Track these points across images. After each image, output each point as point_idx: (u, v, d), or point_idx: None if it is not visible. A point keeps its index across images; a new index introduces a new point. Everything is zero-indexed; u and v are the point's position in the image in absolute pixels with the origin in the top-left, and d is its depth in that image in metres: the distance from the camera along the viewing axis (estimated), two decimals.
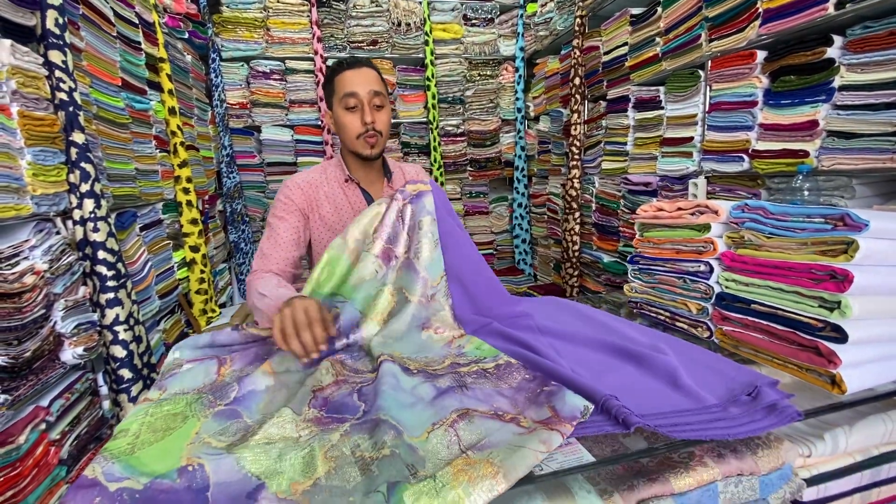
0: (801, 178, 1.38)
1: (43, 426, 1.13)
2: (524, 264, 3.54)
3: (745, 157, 1.60)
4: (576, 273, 2.73)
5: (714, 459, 0.66)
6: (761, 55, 1.52)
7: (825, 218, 0.73)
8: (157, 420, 0.68)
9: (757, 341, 0.82)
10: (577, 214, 2.66)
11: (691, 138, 1.83)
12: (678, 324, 1.00)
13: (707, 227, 0.93)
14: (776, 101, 1.50)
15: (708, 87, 1.74)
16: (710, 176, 1.78)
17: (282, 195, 1.27)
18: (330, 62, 2.93)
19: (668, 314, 1.02)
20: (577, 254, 2.70)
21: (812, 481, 0.71)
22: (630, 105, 2.19)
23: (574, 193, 2.64)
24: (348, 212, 1.30)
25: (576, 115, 2.58)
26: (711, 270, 0.92)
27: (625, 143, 2.26)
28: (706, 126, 1.77)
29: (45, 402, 1.15)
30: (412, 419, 0.63)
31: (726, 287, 0.89)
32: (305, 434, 0.62)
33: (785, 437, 0.72)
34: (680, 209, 1.00)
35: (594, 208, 2.57)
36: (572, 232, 2.68)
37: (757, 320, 0.82)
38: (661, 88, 1.99)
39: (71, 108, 1.27)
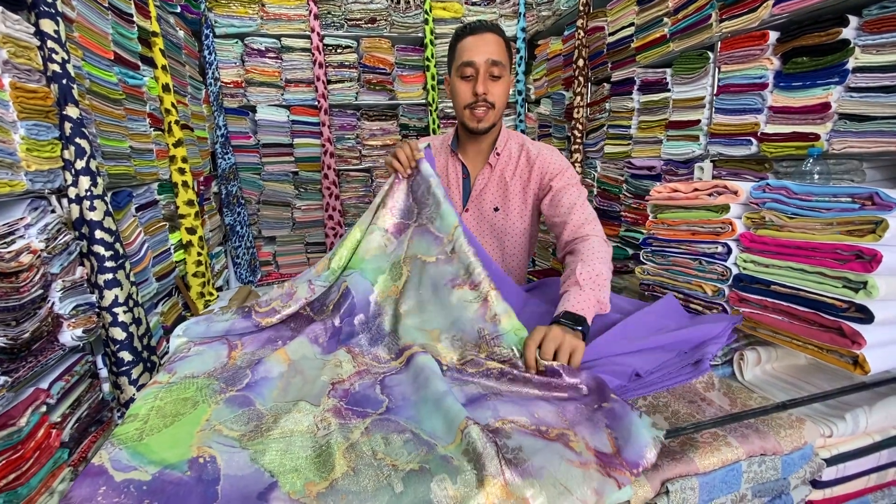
0: (811, 161, 1.37)
1: (44, 408, 1.10)
2: None
3: (753, 140, 1.59)
4: None
5: (738, 439, 0.66)
6: (773, 36, 1.50)
7: (853, 197, 0.72)
8: (167, 404, 0.66)
9: (776, 323, 0.81)
10: None
11: (698, 121, 1.81)
12: (692, 305, 0.99)
13: (725, 208, 0.92)
14: (787, 83, 1.48)
15: (717, 69, 1.72)
16: (717, 160, 1.77)
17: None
18: (328, 40, 2.85)
19: (681, 296, 1.01)
20: None
21: (831, 461, 0.72)
22: (635, 87, 2.16)
23: None
24: (446, 184, 1.28)
25: (578, 98, 2.54)
26: (729, 252, 0.91)
27: (629, 127, 2.24)
28: (714, 109, 1.75)
29: (45, 385, 1.12)
30: (444, 423, 0.57)
31: (744, 268, 0.88)
32: (323, 428, 0.59)
33: (807, 417, 0.72)
34: (697, 190, 0.98)
35: (596, 193, 2.55)
36: None
37: (777, 301, 0.81)
38: (668, 70, 1.96)
39: (64, 81, 1.21)
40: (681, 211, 1.03)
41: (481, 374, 0.70)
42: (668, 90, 1.97)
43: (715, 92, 1.73)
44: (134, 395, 1.34)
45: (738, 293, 0.89)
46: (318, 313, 0.89)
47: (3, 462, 0.95)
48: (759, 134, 1.57)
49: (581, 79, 2.51)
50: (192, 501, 0.48)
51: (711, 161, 1.79)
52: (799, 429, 0.68)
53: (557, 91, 2.87)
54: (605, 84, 2.41)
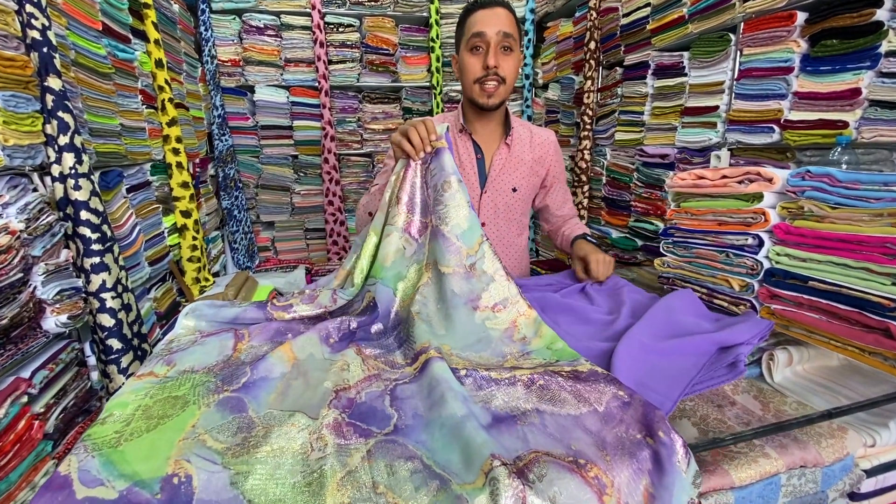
0: (838, 150, 1.29)
1: (25, 399, 1.04)
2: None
3: (775, 127, 1.51)
4: None
5: (776, 450, 0.60)
6: (801, 17, 1.41)
7: None
8: (156, 404, 0.59)
9: (813, 321, 0.75)
10: (586, 188, 2.57)
11: (716, 107, 1.73)
12: (716, 301, 0.93)
13: (758, 197, 0.85)
14: (814, 67, 1.39)
15: (738, 52, 1.63)
16: (735, 148, 1.69)
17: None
18: (330, 18, 2.75)
19: (705, 290, 0.95)
20: None
21: (871, 472, 0.66)
22: (650, 72, 2.07)
23: (584, 165, 2.54)
24: (458, 164, 1.21)
25: (589, 83, 2.45)
26: (761, 244, 0.84)
27: (641, 113, 2.15)
28: (734, 94, 1.67)
29: (26, 374, 1.07)
30: (462, 456, 0.49)
31: (777, 262, 0.82)
32: (318, 449, 0.51)
33: (849, 425, 0.66)
34: (725, 177, 0.91)
35: (605, 181, 2.47)
36: (580, 206, 2.59)
37: (814, 299, 0.75)
38: (686, 54, 1.87)
39: (45, 49, 1.13)
40: (706, 199, 0.96)
41: (508, 382, 0.62)
42: (685, 74, 1.88)
43: (735, 76, 1.65)
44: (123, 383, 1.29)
45: (769, 289, 0.82)
46: (334, 313, 0.83)
47: None
48: (782, 121, 1.49)
49: (592, 62, 2.42)
50: None
51: (729, 149, 1.71)
52: (841, 438, 0.63)
53: (567, 75, 2.78)
54: (617, 68, 2.31)
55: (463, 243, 0.84)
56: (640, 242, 2.21)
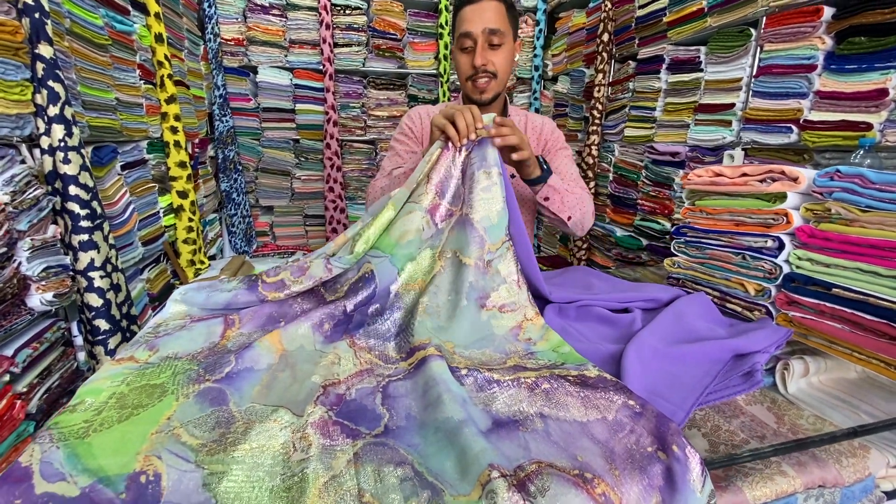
0: (860, 153, 1.24)
1: (7, 377, 1.01)
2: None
3: (793, 127, 1.46)
4: (584, 246, 2.61)
5: (794, 467, 0.56)
6: (828, 12, 1.36)
7: None
8: (132, 392, 0.55)
9: (834, 331, 0.71)
10: (592, 184, 2.52)
11: (732, 105, 1.67)
12: (729, 305, 0.88)
13: (781, 197, 0.80)
14: (839, 65, 1.34)
15: (759, 48, 1.57)
16: (749, 147, 1.64)
17: (405, 121, 1.25)
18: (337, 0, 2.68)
19: (717, 294, 0.91)
20: None
21: (892, 494, 0.62)
22: (664, 66, 2.01)
23: (591, 161, 2.49)
24: None
25: (600, 76, 2.39)
26: (781, 247, 0.79)
27: (653, 109, 2.10)
28: (751, 92, 1.61)
29: (9, 352, 1.03)
30: (457, 464, 0.45)
31: (798, 267, 0.77)
32: (301, 449, 0.47)
33: (871, 444, 0.62)
34: (746, 175, 0.87)
35: (611, 178, 2.42)
36: None
37: (837, 307, 0.70)
38: (703, 48, 1.81)
39: (37, 15, 1.08)
40: (724, 198, 0.91)
41: (511, 384, 0.58)
42: (701, 70, 1.83)
43: (754, 73, 1.59)
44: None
45: (787, 294, 0.78)
46: (331, 292, 0.77)
47: None
48: (801, 121, 1.44)
49: (604, 55, 2.35)
50: None
51: (743, 149, 1.66)
52: (863, 458, 0.59)
53: (577, 68, 2.71)
54: (629, 62, 2.25)
55: (488, 237, 0.80)
56: (645, 242, 2.17)
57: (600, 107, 2.42)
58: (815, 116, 1.40)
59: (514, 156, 0.90)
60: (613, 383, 0.56)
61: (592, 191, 2.53)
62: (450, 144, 0.85)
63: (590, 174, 2.50)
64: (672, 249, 1.01)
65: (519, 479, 0.42)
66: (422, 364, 0.59)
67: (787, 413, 0.67)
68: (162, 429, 0.49)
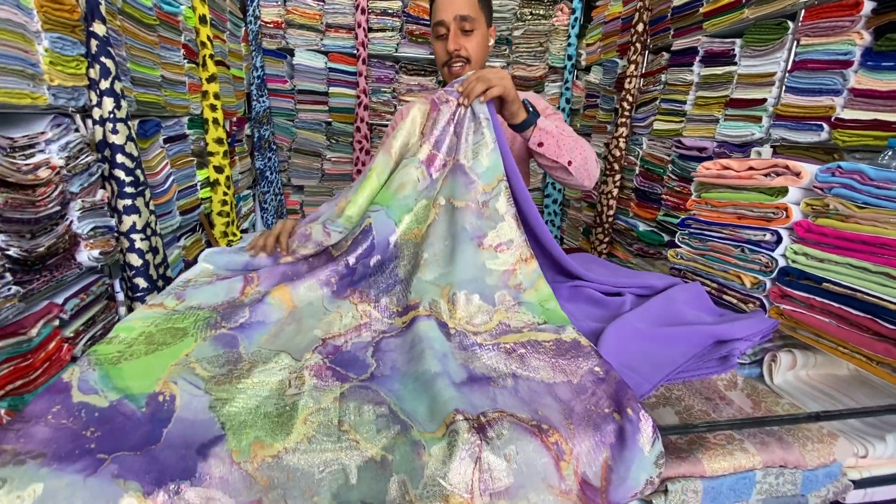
0: (889, 153, 1.20)
1: (56, 322, 1.13)
2: (552, 226, 3.41)
3: (824, 125, 1.41)
4: (606, 239, 2.60)
5: (756, 446, 0.59)
6: (868, 6, 1.30)
7: None
8: (158, 332, 0.63)
9: (822, 325, 0.72)
10: (618, 177, 2.49)
11: (764, 100, 1.63)
12: (725, 297, 0.89)
13: (783, 191, 0.80)
14: (876, 62, 1.29)
15: (795, 42, 1.52)
16: (778, 145, 1.60)
17: (395, 117, 1.30)
18: None
19: (715, 285, 0.92)
20: (610, 219, 2.55)
21: (860, 483, 0.63)
22: (697, 58, 1.96)
23: (618, 154, 2.46)
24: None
25: (632, 67, 2.35)
26: (778, 241, 0.80)
27: (683, 102, 2.05)
28: (784, 87, 1.56)
29: (59, 300, 1.15)
30: (428, 408, 0.50)
31: (793, 261, 0.78)
32: (295, 386, 0.54)
33: (840, 432, 0.63)
34: (752, 168, 0.87)
35: (637, 172, 2.39)
36: (609, 195, 2.52)
37: (826, 301, 0.71)
38: (738, 41, 1.76)
39: None
40: (729, 191, 0.92)
41: (491, 348, 0.63)
42: (735, 63, 1.78)
43: (789, 68, 1.54)
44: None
45: (781, 288, 0.79)
46: (336, 248, 0.83)
47: (11, 368, 0.98)
48: (833, 119, 1.39)
49: (638, 45, 2.31)
50: (133, 438, 0.45)
51: (772, 146, 1.62)
52: (829, 444, 0.60)
53: (611, 58, 2.67)
54: (663, 53, 2.20)
55: (481, 180, 0.82)
56: (666, 238, 2.14)
57: (631, 98, 2.38)
58: (848, 115, 1.35)
59: (493, 91, 0.87)
60: (585, 349, 0.60)
61: (618, 184, 2.51)
62: (438, 102, 0.88)
63: (616, 167, 2.48)
64: (677, 240, 1.03)
65: (480, 423, 0.47)
66: (412, 324, 0.65)
67: (765, 400, 0.69)
68: (180, 362, 0.56)
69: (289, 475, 0.43)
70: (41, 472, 0.40)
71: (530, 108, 0.96)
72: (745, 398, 0.70)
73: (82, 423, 0.46)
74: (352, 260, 0.78)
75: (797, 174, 0.79)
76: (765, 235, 0.82)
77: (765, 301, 0.82)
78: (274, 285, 0.79)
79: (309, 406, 0.50)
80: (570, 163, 0.99)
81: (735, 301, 0.87)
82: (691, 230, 0.99)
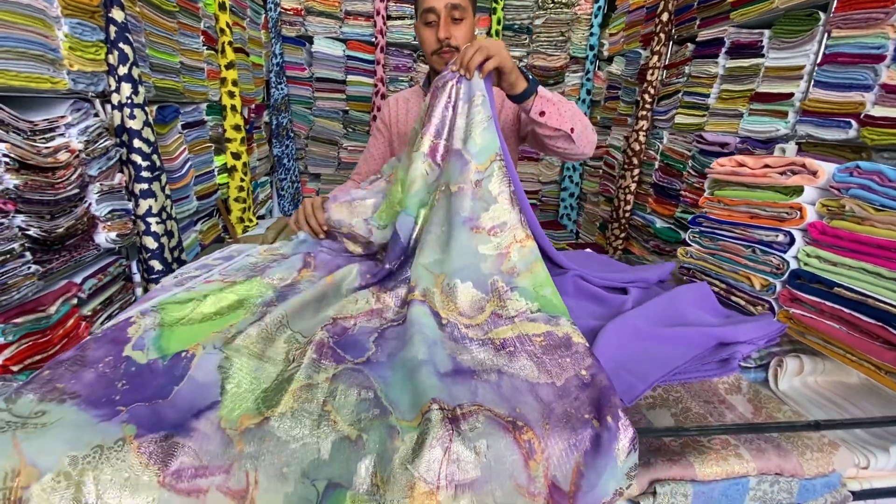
0: None
1: (74, 301, 1.18)
2: (567, 220, 3.37)
3: (853, 122, 1.35)
4: (622, 235, 2.55)
5: (752, 452, 0.58)
6: None
7: None
8: (224, 307, 0.66)
9: (831, 331, 0.69)
10: (636, 172, 2.44)
11: (791, 95, 1.56)
12: (734, 298, 0.87)
13: (798, 191, 0.77)
14: None
15: (826, 34, 1.45)
16: (803, 142, 1.54)
17: (383, 110, 1.32)
18: None
19: (723, 286, 0.89)
20: (627, 214, 2.51)
21: (860, 495, 0.61)
22: (723, 50, 1.89)
23: (637, 148, 2.40)
24: None
25: (656, 58, 2.28)
26: (791, 242, 0.77)
27: (707, 96, 1.99)
28: (812, 82, 1.50)
29: (78, 280, 1.20)
30: (411, 397, 0.50)
31: (805, 264, 0.75)
32: (295, 360, 0.57)
33: (841, 442, 0.61)
34: (767, 166, 0.84)
35: (657, 167, 2.33)
36: (627, 190, 2.47)
37: (837, 307, 0.69)
38: (766, 32, 1.69)
39: None
40: (743, 189, 0.88)
41: (481, 343, 0.62)
42: (762, 55, 1.71)
43: (818, 61, 1.48)
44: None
45: (791, 291, 0.76)
46: (381, 253, 0.87)
47: (30, 343, 1.02)
48: (862, 116, 1.33)
49: (662, 35, 2.24)
50: (146, 392, 0.49)
51: (797, 143, 1.55)
52: (829, 453, 0.58)
53: (633, 49, 2.60)
54: (688, 44, 2.13)
55: (475, 160, 0.79)
56: (684, 235, 2.09)
57: (652, 90, 2.32)
58: (878, 112, 1.28)
59: (491, 63, 0.84)
60: (576, 348, 0.58)
61: (636, 179, 2.45)
62: (435, 88, 0.86)
63: (635, 161, 2.42)
64: (687, 239, 1.00)
65: (455, 414, 0.47)
66: (408, 308, 0.66)
67: (767, 406, 0.67)
68: (222, 331, 0.59)
69: (266, 440, 0.44)
70: (71, 408, 0.46)
71: (529, 77, 0.92)
72: (746, 403, 0.68)
73: (119, 374, 0.51)
74: (387, 265, 0.80)
75: (814, 173, 0.76)
76: (777, 236, 0.79)
77: (774, 304, 0.80)
78: (326, 274, 0.80)
79: (301, 380, 0.52)
80: (572, 129, 0.95)
81: (743, 303, 0.85)
82: (702, 228, 0.96)
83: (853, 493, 0.60)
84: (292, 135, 2.93)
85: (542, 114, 0.93)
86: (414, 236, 0.82)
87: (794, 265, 0.77)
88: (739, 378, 0.73)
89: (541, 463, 0.45)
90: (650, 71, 2.31)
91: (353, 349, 0.61)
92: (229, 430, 0.45)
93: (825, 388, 0.74)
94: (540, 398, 0.51)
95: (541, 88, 0.93)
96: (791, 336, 0.77)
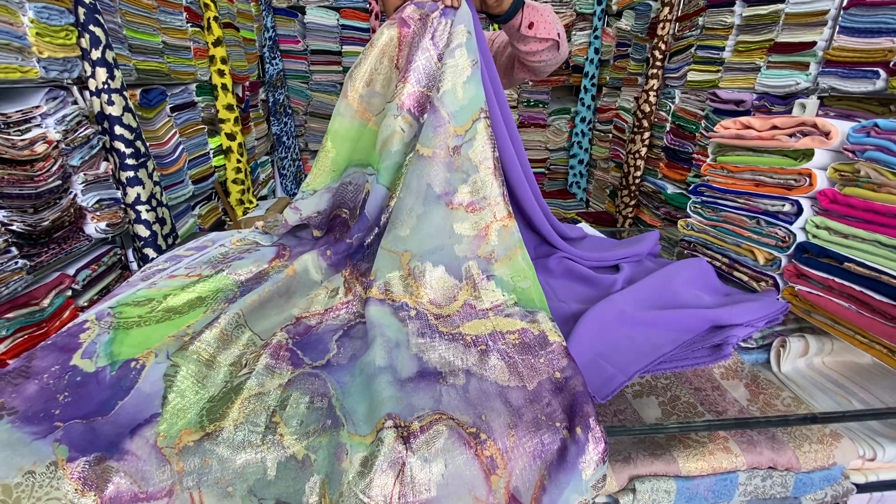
0: None
1: (69, 293, 1.18)
2: (577, 188, 3.26)
3: (881, 72, 1.23)
4: (632, 203, 2.45)
5: (742, 445, 0.53)
6: None
7: None
8: (182, 304, 0.63)
9: (839, 310, 0.63)
10: (647, 135, 2.31)
11: (813, 44, 1.43)
12: (736, 273, 0.81)
13: (808, 154, 0.70)
14: None
15: None
16: (826, 96, 1.41)
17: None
18: None
19: (726, 260, 0.83)
20: (637, 181, 2.40)
21: (865, 487, 0.57)
22: None
23: (647, 109, 2.27)
24: None
25: (667, 10, 2.12)
26: (799, 212, 0.70)
27: (721, 49, 1.84)
28: (837, 28, 1.36)
29: (71, 271, 1.20)
30: (367, 408, 0.47)
31: (814, 236, 0.68)
32: (247, 366, 0.53)
33: (846, 431, 0.57)
34: (775, 127, 0.76)
35: (668, 129, 2.21)
36: (637, 155, 2.36)
37: (847, 284, 0.62)
38: None
39: None
40: (749, 154, 0.81)
41: (450, 338, 0.57)
42: (782, 1, 1.56)
43: (844, 4, 1.33)
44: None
45: (797, 266, 0.70)
46: (352, 217, 0.78)
47: (25, 336, 1.03)
48: (891, 64, 1.20)
49: None
50: (91, 405, 0.47)
51: (819, 97, 1.43)
52: (830, 446, 0.54)
53: (643, 1, 2.42)
54: None
55: (453, 120, 0.66)
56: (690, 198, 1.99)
57: (664, 46, 2.17)
58: None
59: None
60: (551, 347, 0.54)
61: (646, 142, 2.33)
62: (408, 20, 0.72)
63: (645, 123, 2.29)
64: (688, 209, 0.93)
65: (411, 430, 0.43)
66: (366, 307, 0.61)
67: (764, 392, 0.62)
68: (178, 334, 0.56)
69: (206, 459, 0.42)
70: (5, 426, 0.44)
71: None
72: (744, 388, 0.63)
73: (62, 386, 0.49)
74: (348, 238, 0.73)
75: (826, 134, 0.68)
76: (784, 206, 0.72)
77: (778, 280, 0.73)
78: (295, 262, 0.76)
79: (252, 388, 0.49)
80: (559, 34, 0.83)
81: (746, 279, 0.79)
82: (704, 198, 0.89)
83: (857, 485, 0.56)
84: (290, 111, 2.87)
85: (530, 26, 0.79)
86: (389, 211, 0.70)
87: (801, 237, 0.70)
88: (739, 360, 0.68)
89: (502, 477, 0.42)
90: (661, 24, 2.15)
91: (312, 350, 0.57)
92: (166, 448, 0.43)
93: (833, 369, 0.69)
94: (509, 403, 0.47)
95: None
96: (796, 314, 0.72)
